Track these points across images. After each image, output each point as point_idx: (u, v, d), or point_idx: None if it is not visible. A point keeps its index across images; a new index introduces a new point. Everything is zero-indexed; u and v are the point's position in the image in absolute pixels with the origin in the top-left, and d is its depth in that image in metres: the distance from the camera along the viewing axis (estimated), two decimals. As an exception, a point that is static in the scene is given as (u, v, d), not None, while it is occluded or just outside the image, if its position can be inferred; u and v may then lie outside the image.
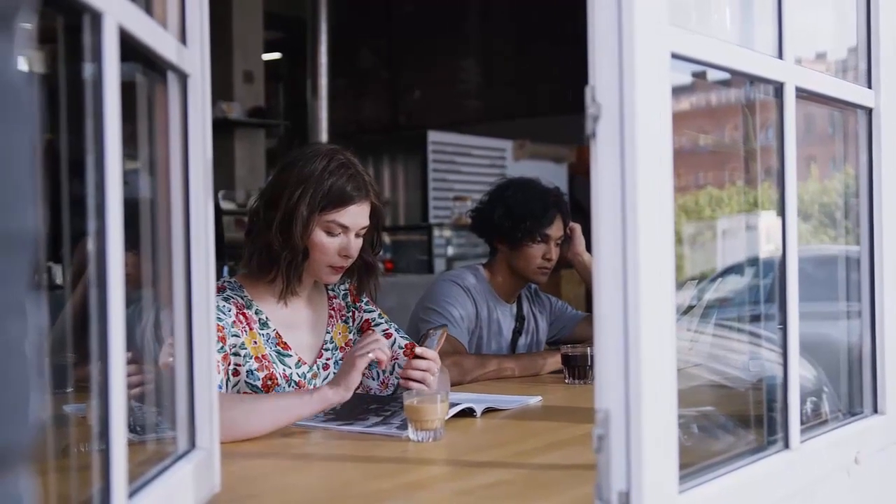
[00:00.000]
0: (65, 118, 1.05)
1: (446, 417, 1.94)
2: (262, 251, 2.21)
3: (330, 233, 2.20)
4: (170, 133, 1.35)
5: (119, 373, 1.02)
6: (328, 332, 2.37)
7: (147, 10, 1.20)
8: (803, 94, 1.58)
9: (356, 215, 2.21)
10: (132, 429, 1.23)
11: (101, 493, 1.01)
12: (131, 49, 1.11)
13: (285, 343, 2.25)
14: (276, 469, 1.74)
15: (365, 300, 2.45)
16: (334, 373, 2.31)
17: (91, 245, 1.02)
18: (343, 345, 2.38)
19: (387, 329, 2.40)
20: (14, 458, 0.56)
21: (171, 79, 1.34)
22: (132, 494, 1.10)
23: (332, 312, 2.40)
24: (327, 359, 2.34)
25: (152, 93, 1.34)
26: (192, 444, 1.37)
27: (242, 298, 2.23)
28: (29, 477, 0.59)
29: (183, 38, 1.35)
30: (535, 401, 2.37)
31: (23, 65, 0.60)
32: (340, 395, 1.97)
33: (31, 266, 0.59)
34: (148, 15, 1.18)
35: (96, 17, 0.99)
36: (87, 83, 1.02)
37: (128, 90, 1.08)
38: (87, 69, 1.02)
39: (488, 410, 2.20)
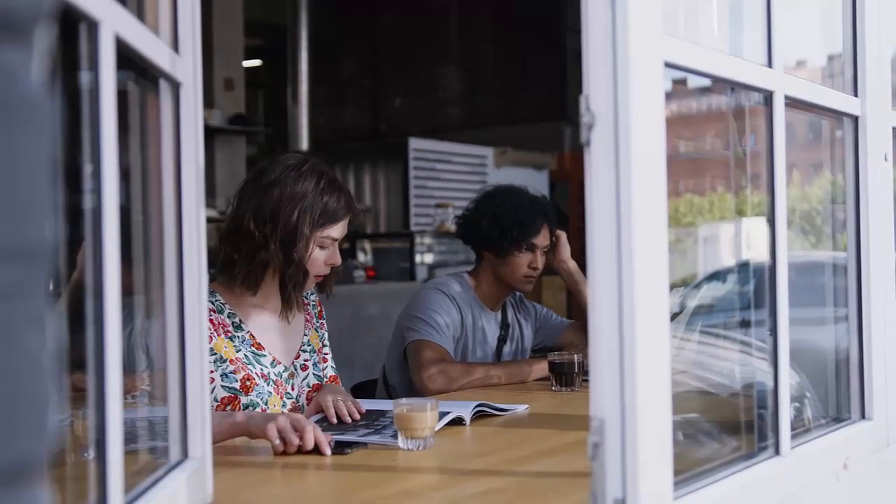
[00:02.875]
0: (60, 126, 1.04)
1: (438, 428, 1.94)
2: (260, 268, 2.26)
3: (322, 247, 2.29)
4: (162, 141, 1.35)
5: (115, 383, 1.02)
6: (305, 335, 2.43)
7: (139, 18, 1.20)
8: (791, 103, 1.60)
9: (344, 227, 2.33)
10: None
11: (98, 503, 1.00)
12: (125, 57, 1.11)
13: (259, 344, 2.30)
14: (268, 479, 1.74)
15: (324, 317, 2.55)
16: (313, 374, 2.40)
17: (87, 254, 1.01)
18: (317, 350, 2.46)
19: (327, 353, 2.51)
20: (35, 469, 0.56)
21: (164, 87, 1.33)
22: (127, 505, 1.09)
23: (308, 317, 2.47)
24: (305, 360, 2.41)
25: (144, 101, 1.33)
26: (185, 454, 1.37)
27: (213, 303, 2.26)
28: (47, 488, 0.58)
29: (175, 47, 1.35)
30: (522, 409, 2.37)
31: (40, 77, 0.59)
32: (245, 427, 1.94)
33: (48, 278, 0.58)
34: (142, 23, 1.18)
35: (93, 26, 0.99)
36: (82, 91, 1.02)
37: (119, 98, 1.08)
38: (83, 77, 1.01)
39: (479, 415, 2.20)
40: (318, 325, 2.50)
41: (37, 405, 0.56)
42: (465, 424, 2.14)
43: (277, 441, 1.83)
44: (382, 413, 2.21)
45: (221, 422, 1.94)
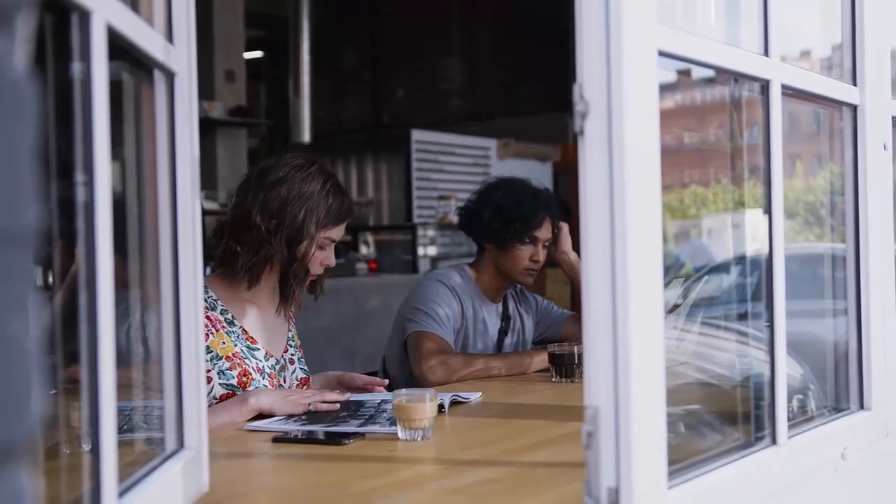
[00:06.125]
0: (51, 117, 1.04)
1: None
2: (262, 262, 2.29)
3: (321, 247, 2.34)
4: (156, 132, 1.35)
5: (108, 373, 1.02)
6: (290, 331, 2.49)
7: (133, 8, 1.20)
8: (789, 92, 1.59)
9: (342, 230, 2.39)
10: (119, 429, 1.23)
11: (92, 493, 1.00)
12: (118, 47, 1.11)
13: (252, 338, 2.34)
14: (265, 469, 1.74)
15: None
16: (300, 368, 2.46)
17: (79, 246, 1.01)
18: (298, 345, 2.52)
19: (299, 355, 2.54)
20: (18, 453, 0.56)
21: (158, 77, 1.33)
22: (122, 494, 1.10)
23: (291, 315, 2.51)
24: (292, 354, 2.46)
25: (138, 92, 1.33)
26: (181, 443, 1.37)
27: (206, 300, 2.27)
28: (31, 473, 0.59)
29: (170, 37, 1.34)
30: (475, 397, 2.39)
31: (23, 64, 0.60)
32: (260, 404, 2.12)
33: (32, 263, 0.59)
34: (135, 13, 1.18)
35: (84, 16, 0.99)
36: (74, 81, 1.02)
37: (113, 89, 1.08)
38: (75, 67, 1.01)
39: (454, 403, 2.25)
40: (295, 323, 2.56)
41: (19, 389, 0.56)
42: (444, 412, 2.14)
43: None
44: (361, 404, 2.22)
45: (241, 409, 2.10)
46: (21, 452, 0.57)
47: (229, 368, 2.23)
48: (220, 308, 2.30)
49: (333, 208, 2.31)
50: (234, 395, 2.22)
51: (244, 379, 2.24)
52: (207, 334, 2.22)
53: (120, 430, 1.12)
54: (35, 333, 0.58)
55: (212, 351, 2.22)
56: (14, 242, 0.56)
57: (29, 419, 0.57)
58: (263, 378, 2.29)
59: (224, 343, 2.26)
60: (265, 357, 2.33)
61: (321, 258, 2.34)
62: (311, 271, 2.34)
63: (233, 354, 2.26)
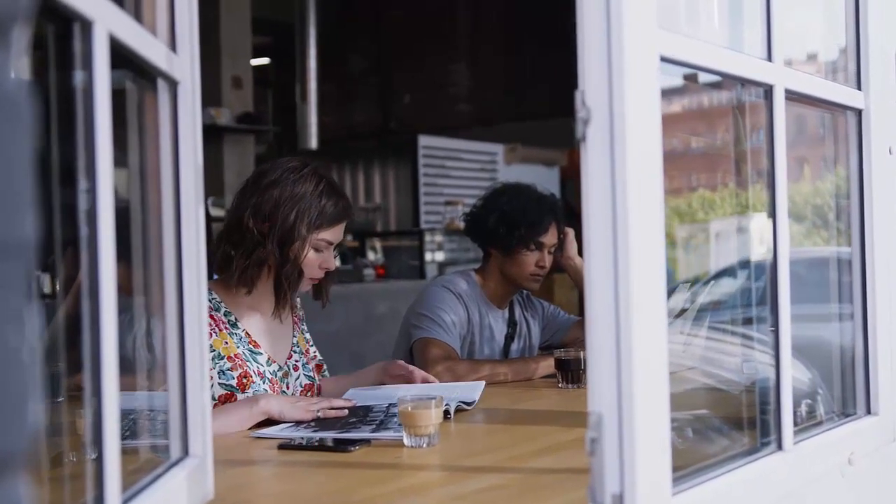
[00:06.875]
0: (54, 126, 1.04)
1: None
2: (256, 265, 2.29)
3: (317, 249, 2.33)
4: (160, 140, 1.35)
5: (111, 381, 1.02)
6: (294, 337, 2.48)
7: (136, 17, 1.20)
8: (793, 96, 1.59)
9: (339, 232, 2.37)
10: (123, 436, 1.23)
11: (96, 500, 1.00)
12: (121, 56, 1.11)
13: (255, 342, 2.34)
14: (270, 476, 1.74)
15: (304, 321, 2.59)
16: (304, 374, 2.45)
17: (82, 254, 1.02)
18: (304, 350, 2.50)
19: (315, 352, 2.56)
20: (14, 463, 0.56)
21: (161, 86, 1.33)
22: (126, 502, 1.10)
23: (296, 320, 2.52)
24: (296, 361, 2.46)
25: (142, 100, 1.34)
26: (186, 451, 1.37)
27: (210, 301, 2.28)
28: (27, 483, 0.59)
29: (173, 46, 1.35)
30: (479, 388, 2.41)
31: (20, 74, 0.60)
32: (269, 408, 2.11)
33: (28, 274, 0.59)
34: (138, 22, 1.18)
35: (87, 25, 0.99)
36: (77, 90, 1.02)
37: (117, 97, 1.08)
38: (78, 77, 1.02)
39: (459, 410, 2.24)
40: (303, 328, 2.55)
41: (16, 400, 0.56)
42: (449, 419, 2.14)
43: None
44: (370, 409, 2.22)
45: (251, 411, 2.09)
46: (18, 462, 0.57)
47: (230, 369, 2.24)
48: (223, 310, 2.31)
49: (327, 209, 2.30)
50: (233, 395, 2.22)
51: (244, 381, 2.25)
52: (210, 333, 2.23)
53: (123, 437, 1.12)
54: (32, 344, 0.58)
55: (214, 350, 2.23)
56: (11, 253, 0.56)
57: (26, 430, 0.57)
58: (264, 382, 2.29)
59: (227, 343, 2.27)
60: (267, 362, 2.34)
61: (319, 261, 2.33)
62: (309, 274, 2.33)
63: (234, 355, 2.26)
